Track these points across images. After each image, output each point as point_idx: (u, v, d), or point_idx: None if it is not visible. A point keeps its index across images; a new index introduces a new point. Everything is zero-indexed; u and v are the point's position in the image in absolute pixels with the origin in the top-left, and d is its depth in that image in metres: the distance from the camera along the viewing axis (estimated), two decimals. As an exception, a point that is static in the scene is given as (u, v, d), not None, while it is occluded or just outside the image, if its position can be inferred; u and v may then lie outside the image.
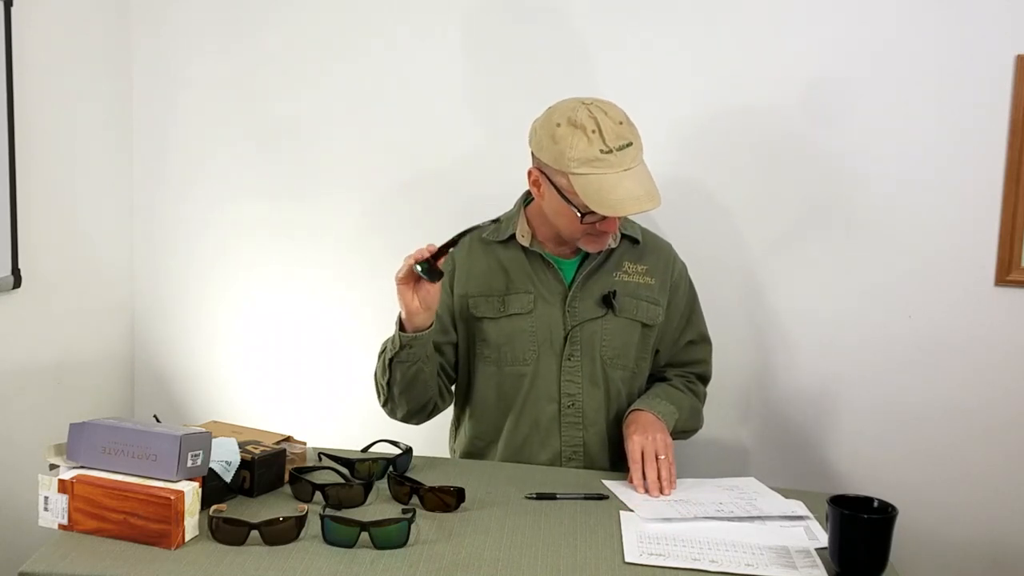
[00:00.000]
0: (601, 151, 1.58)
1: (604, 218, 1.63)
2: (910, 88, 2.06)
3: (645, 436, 1.65)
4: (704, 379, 1.93)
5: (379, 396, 1.79)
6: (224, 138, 2.28)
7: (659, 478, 1.61)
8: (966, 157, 2.06)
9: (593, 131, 1.59)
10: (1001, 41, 2.02)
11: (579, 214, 1.62)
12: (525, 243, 1.78)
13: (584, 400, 1.78)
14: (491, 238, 1.81)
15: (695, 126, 2.11)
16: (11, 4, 1.83)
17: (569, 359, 1.76)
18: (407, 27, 2.19)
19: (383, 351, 1.73)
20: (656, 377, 1.88)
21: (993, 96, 2.03)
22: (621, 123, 1.62)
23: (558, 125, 1.61)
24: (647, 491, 1.60)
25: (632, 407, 1.77)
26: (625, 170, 1.59)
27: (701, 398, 1.91)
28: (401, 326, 1.67)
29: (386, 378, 1.72)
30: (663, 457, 1.63)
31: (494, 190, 2.07)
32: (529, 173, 1.71)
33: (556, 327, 1.76)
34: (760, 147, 2.13)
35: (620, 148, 1.59)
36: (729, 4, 2.10)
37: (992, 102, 2.03)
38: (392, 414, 1.80)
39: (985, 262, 2.08)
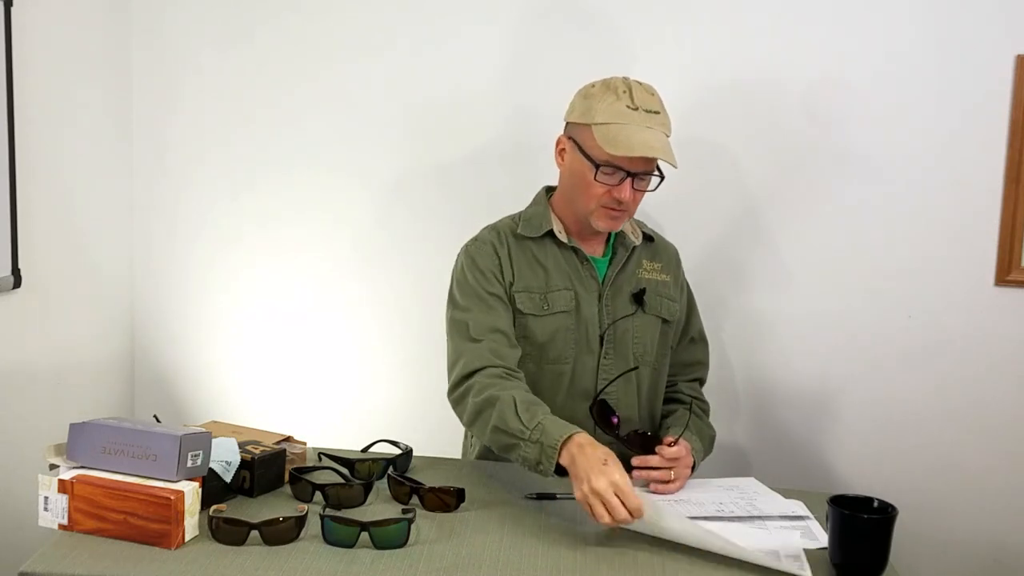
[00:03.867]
0: (627, 107, 1.63)
1: (618, 177, 1.63)
2: (910, 88, 2.06)
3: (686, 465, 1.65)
4: (703, 382, 1.95)
5: (460, 416, 1.66)
6: (224, 137, 2.28)
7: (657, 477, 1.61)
8: (966, 157, 2.06)
9: (624, 92, 1.64)
10: (1001, 41, 2.01)
11: (594, 167, 1.63)
12: (563, 239, 1.75)
13: (618, 398, 1.75)
14: (524, 233, 1.76)
15: (694, 125, 2.11)
16: (11, 4, 1.83)
17: (606, 356, 1.74)
18: (406, 25, 2.19)
19: (510, 435, 1.51)
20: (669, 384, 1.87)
21: (993, 96, 2.03)
22: (652, 95, 1.67)
23: (592, 86, 1.68)
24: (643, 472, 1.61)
25: (675, 425, 1.75)
26: (647, 128, 1.62)
27: (709, 422, 1.88)
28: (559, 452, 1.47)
29: (489, 441, 1.57)
30: (675, 481, 1.62)
31: (497, 189, 2.07)
32: (557, 142, 1.73)
33: (593, 325, 1.73)
34: (760, 147, 2.13)
35: (647, 111, 1.64)
36: (726, 4, 2.10)
37: (992, 102, 2.03)
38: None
39: (985, 262, 2.08)
